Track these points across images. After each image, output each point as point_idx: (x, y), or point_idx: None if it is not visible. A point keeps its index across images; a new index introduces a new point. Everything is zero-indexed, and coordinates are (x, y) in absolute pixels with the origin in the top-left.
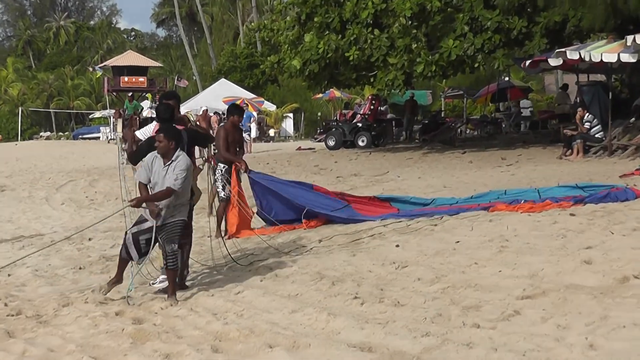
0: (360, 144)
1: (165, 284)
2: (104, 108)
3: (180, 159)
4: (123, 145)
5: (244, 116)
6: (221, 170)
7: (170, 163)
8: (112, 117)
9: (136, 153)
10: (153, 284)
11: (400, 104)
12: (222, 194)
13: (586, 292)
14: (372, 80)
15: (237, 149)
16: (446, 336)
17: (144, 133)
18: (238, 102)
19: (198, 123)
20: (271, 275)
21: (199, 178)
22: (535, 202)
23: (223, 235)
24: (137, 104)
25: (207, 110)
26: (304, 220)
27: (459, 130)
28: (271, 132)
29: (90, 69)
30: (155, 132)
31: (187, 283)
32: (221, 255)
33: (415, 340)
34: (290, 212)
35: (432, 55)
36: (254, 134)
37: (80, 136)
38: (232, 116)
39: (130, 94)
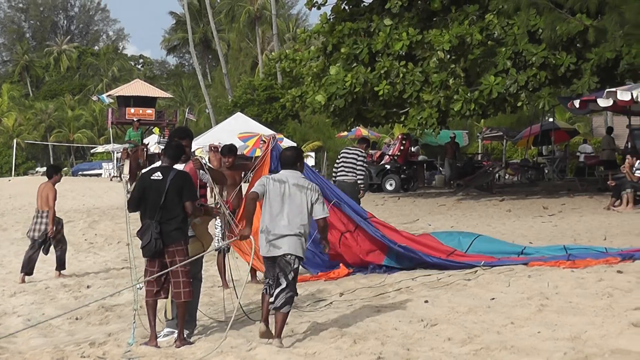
0: (388, 187)
1: (170, 337)
2: (107, 142)
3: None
4: (129, 187)
5: None
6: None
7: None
8: (115, 153)
9: (131, 199)
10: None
11: (433, 145)
12: (216, 244)
13: (634, 357)
14: (403, 118)
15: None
16: None
17: None
18: (255, 139)
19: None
20: (287, 331)
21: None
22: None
23: (250, 280)
24: (142, 134)
25: (218, 146)
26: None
27: (497, 175)
28: None
29: (94, 99)
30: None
31: (194, 338)
32: (232, 308)
33: None
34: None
35: (471, 92)
36: None
37: (80, 172)
38: (225, 157)
39: (136, 120)
